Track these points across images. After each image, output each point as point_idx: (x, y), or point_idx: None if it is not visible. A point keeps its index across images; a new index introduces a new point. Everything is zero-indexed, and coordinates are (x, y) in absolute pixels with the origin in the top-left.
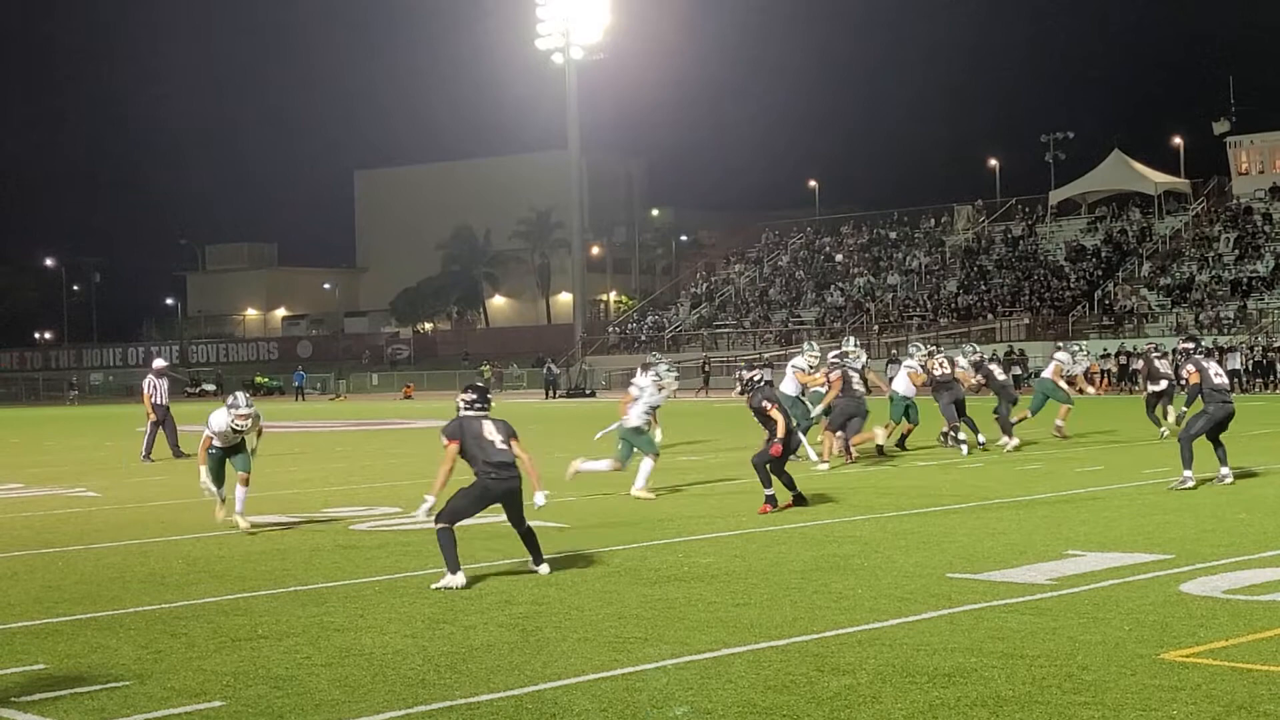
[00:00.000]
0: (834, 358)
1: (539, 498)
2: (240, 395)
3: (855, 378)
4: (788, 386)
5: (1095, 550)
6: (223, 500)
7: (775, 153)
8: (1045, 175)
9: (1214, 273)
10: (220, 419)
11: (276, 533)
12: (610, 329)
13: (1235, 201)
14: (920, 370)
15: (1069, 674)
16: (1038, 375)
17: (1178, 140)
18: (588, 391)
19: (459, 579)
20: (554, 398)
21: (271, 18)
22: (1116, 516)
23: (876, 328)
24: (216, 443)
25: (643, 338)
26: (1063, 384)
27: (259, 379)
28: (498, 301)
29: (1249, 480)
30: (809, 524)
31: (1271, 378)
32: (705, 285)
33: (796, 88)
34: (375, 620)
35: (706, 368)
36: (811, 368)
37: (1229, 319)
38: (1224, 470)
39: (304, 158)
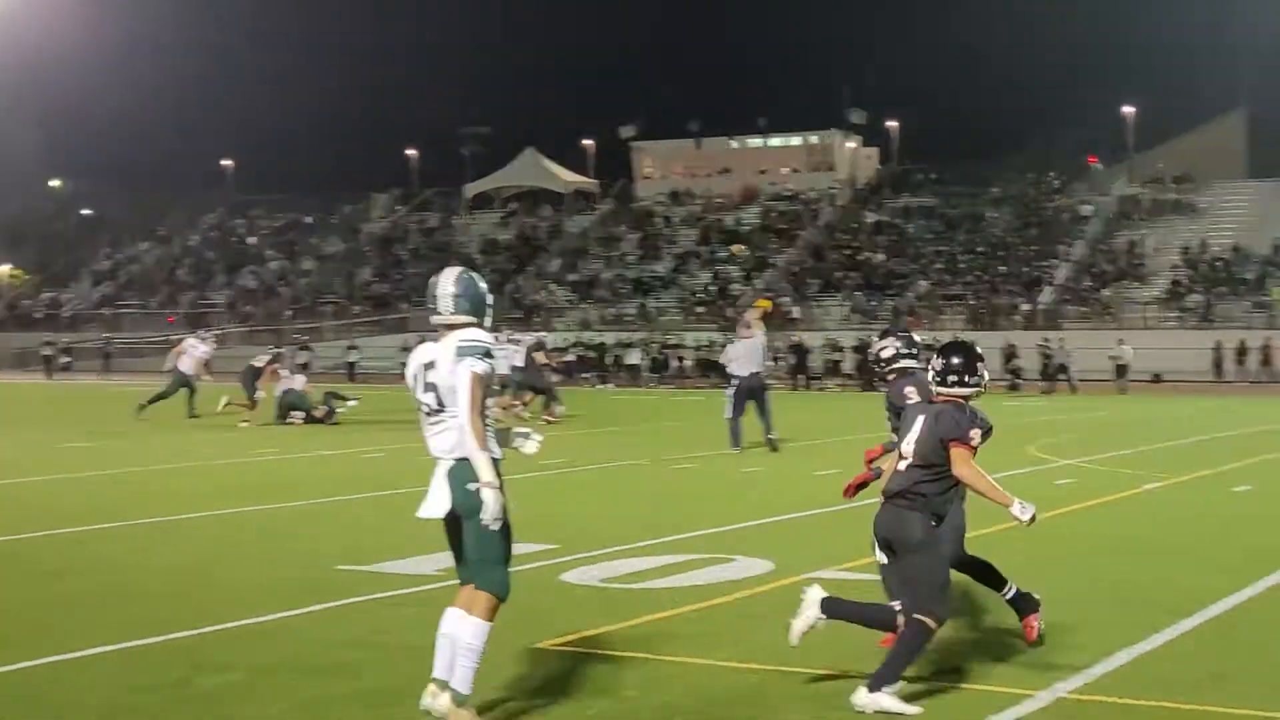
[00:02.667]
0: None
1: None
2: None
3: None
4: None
5: None
6: None
7: (187, 128)
8: (462, 169)
9: (618, 271)
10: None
11: None
12: (1, 305)
13: (638, 204)
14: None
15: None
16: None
17: (588, 142)
18: None
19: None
20: None
21: None
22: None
23: (290, 313)
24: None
25: (38, 315)
26: (207, 377)
27: None
28: None
29: (635, 470)
30: (191, 517)
31: (665, 373)
32: (109, 262)
33: (213, 62)
34: None
35: (108, 349)
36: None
37: (630, 316)
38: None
39: None
